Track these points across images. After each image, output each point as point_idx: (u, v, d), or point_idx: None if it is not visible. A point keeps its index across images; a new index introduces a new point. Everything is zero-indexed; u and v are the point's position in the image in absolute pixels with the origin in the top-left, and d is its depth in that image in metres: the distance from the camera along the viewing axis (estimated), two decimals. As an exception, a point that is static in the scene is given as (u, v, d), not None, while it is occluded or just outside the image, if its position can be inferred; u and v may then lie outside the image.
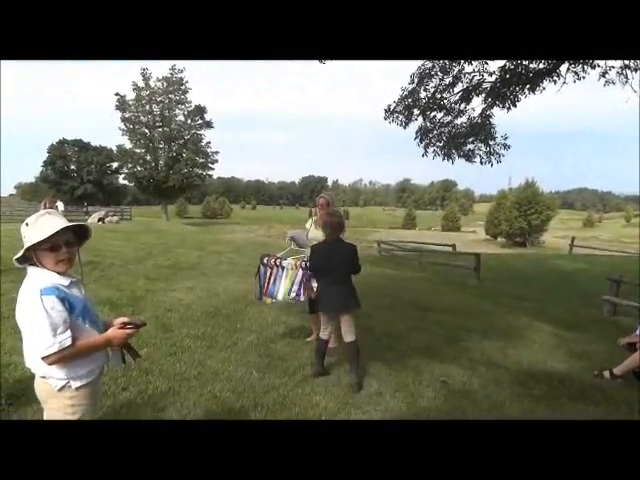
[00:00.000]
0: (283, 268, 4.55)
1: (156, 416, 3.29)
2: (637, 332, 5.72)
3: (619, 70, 7.62)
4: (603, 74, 7.73)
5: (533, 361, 5.22)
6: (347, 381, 4.10)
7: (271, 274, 4.57)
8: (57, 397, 2.00)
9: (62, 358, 1.93)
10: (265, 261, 4.65)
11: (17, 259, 2.00)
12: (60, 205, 21.19)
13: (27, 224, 1.98)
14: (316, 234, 4.81)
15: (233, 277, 8.70)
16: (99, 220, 21.19)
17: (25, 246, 1.96)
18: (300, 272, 4.48)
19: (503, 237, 50.61)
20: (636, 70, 7.51)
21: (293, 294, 4.46)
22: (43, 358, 1.90)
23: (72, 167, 60.19)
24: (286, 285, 4.49)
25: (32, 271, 1.98)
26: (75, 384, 2.01)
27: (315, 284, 4.42)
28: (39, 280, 1.94)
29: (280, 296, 4.52)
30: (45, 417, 2.10)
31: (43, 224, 1.98)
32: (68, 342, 1.92)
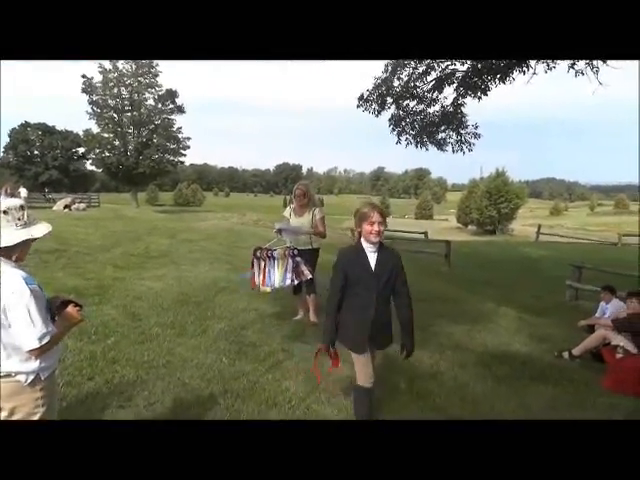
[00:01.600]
0: (274, 258, 4.82)
1: (123, 405, 3.25)
2: (596, 315, 6.00)
3: (587, 61, 7.77)
4: (572, 65, 7.89)
5: (498, 344, 5.39)
6: (318, 366, 4.14)
7: (265, 265, 4.83)
8: (25, 392, 1.92)
9: (48, 348, 1.88)
10: (258, 254, 4.86)
11: None
12: (23, 192, 20.40)
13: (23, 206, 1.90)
14: (295, 222, 5.21)
15: (205, 265, 8.59)
16: (65, 207, 20.45)
17: (37, 235, 1.88)
18: (290, 260, 4.78)
19: (474, 225, 51.73)
20: (604, 61, 7.65)
21: (288, 281, 4.78)
22: (31, 350, 1.82)
23: (36, 152, 57.79)
24: (279, 273, 4.80)
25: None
26: (44, 374, 1.96)
27: (304, 268, 4.83)
28: (14, 271, 1.85)
29: (277, 283, 4.80)
30: (4, 418, 1.94)
31: (34, 215, 1.94)
32: (54, 330, 1.89)
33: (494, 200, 47.92)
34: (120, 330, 4.68)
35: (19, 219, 1.86)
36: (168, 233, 13.09)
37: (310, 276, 5.02)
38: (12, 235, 1.84)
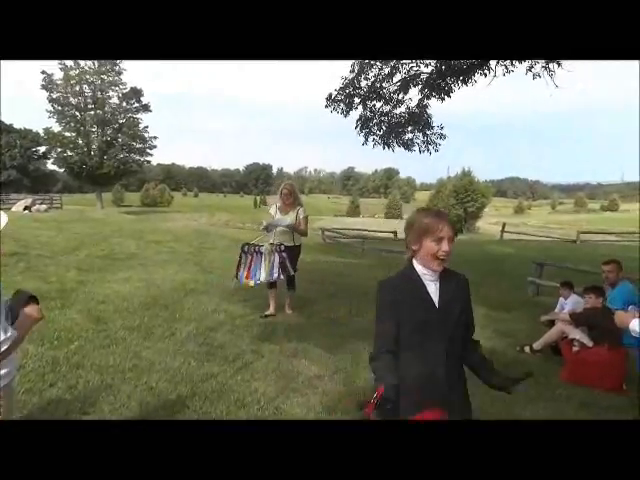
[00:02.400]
0: (261, 254, 5.09)
1: (87, 411, 3.17)
2: (556, 310, 6.24)
3: (544, 64, 8.09)
4: (529, 68, 8.20)
5: (463, 340, 5.53)
6: (287, 367, 4.16)
7: (252, 260, 5.08)
8: None
9: (9, 354, 1.81)
10: (246, 249, 5.15)
11: None
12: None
13: None
14: (280, 219, 5.53)
15: (173, 267, 8.46)
16: (25, 208, 19.66)
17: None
18: (276, 255, 5.08)
19: (442, 224, 52.72)
20: (559, 64, 7.99)
21: (275, 275, 5.12)
22: None
23: (-8, 151, 55.27)
24: (266, 268, 5.05)
25: None
26: (3, 382, 1.89)
27: (289, 264, 5.16)
28: None
29: (263, 278, 5.09)
30: None
31: None
32: (15, 334, 1.81)
33: (461, 199, 49.08)
34: (84, 335, 4.56)
35: None
36: (135, 235, 12.80)
37: (293, 272, 5.33)
38: None
